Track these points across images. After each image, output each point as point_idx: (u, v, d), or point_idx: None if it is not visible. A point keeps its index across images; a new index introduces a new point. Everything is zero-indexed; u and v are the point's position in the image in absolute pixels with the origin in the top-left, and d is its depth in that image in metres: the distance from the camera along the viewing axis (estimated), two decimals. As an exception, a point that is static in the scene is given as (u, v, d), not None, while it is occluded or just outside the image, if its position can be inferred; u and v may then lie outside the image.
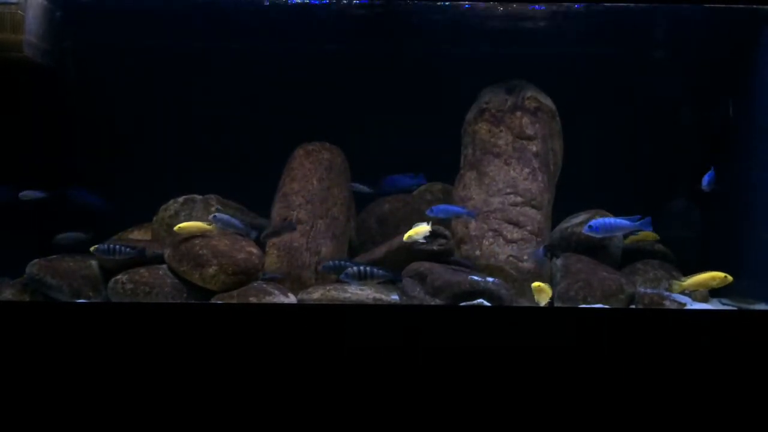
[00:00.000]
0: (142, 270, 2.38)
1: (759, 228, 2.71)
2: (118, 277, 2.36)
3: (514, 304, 2.38)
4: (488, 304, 2.36)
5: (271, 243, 2.46)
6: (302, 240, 2.48)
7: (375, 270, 2.33)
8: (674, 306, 2.53)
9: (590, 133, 2.78)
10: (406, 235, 2.41)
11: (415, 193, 2.78)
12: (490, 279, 2.38)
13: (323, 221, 2.57)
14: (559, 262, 2.54)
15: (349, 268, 2.32)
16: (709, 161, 2.87)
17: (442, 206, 2.71)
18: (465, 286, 2.34)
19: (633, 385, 2.22)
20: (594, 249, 2.67)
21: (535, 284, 2.29)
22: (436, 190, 2.78)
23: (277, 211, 2.54)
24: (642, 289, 2.67)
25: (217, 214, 2.47)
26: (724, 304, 2.54)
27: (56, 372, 2.24)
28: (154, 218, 2.64)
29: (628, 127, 2.87)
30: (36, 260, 2.43)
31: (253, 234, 2.47)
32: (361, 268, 2.32)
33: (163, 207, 2.65)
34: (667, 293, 2.64)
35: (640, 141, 2.87)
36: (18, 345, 2.25)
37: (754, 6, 2.61)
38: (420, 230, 2.44)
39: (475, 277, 2.34)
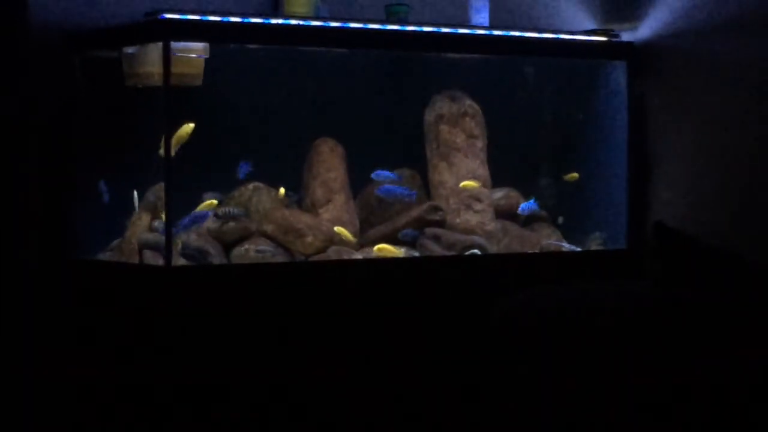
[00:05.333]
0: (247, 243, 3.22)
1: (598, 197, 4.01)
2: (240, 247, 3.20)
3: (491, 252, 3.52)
4: (479, 252, 3.48)
5: (324, 216, 3.38)
6: (345, 215, 3.42)
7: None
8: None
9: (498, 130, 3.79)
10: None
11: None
12: (476, 237, 3.52)
13: (351, 201, 3.49)
14: (498, 225, 3.71)
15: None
16: (568, 152, 4.12)
17: (390, 187, 3.66)
18: (468, 242, 3.46)
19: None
20: (512, 217, 3.80)
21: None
22: (407, 176, 3.65)
23: (322, 192, 3.40)
24: (546, 241, 3.92)
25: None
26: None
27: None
28: (229, 202, 3.34)
29: (523, 126, 3.85)
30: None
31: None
32: None
33: (237, 192, 3.33)
34: (563, 244, 3.90)
35: (529, 136, 3.93)
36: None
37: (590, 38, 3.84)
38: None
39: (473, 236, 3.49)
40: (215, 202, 3.27)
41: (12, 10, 3.12)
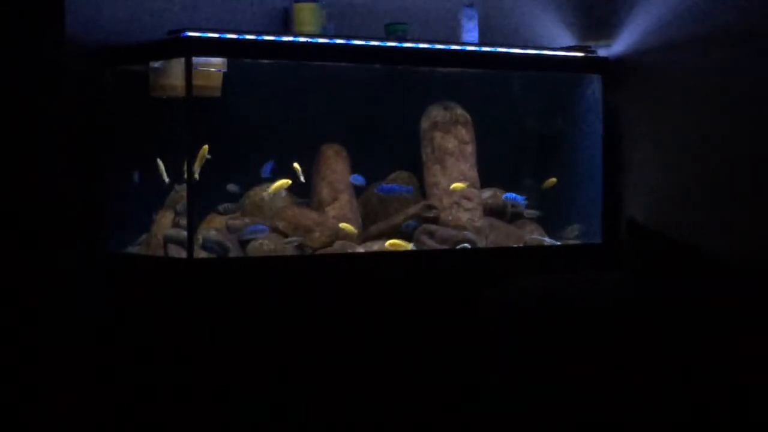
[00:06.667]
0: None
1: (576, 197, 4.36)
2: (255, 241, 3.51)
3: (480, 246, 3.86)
4: (469, 246, 3.83)
5: (330, 213, 3.73)
6: (348, 212, 3.78)
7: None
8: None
9: (487, 136, 4.14)
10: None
11: (389, 178, 4.00)
12: (467, 232, 3.88)
13: (354, 199, 3.86)
14: (486, 222, 4.07)
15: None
16: (548, 155, 4.48)
17: (387, 185, 4.08)
18: (459, 237, 3.81)
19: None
20: (498, 214, 4.19)
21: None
22: (405, 177, 3.99)
23: (328, 192, 3.74)
24: (530, 237, 4.27)
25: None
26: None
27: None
28: (244, 201, 3.66)
29: (509, 132, 4.20)
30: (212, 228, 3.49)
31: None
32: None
33: (253, 192, 3.66)
34: (545, 238, 4.26)
35: (514, 142, 4.26)
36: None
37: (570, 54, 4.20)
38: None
39: (464, 232, 3.84)
40: (289, 181, 3.62)
41: (51, 28, 3.42)
